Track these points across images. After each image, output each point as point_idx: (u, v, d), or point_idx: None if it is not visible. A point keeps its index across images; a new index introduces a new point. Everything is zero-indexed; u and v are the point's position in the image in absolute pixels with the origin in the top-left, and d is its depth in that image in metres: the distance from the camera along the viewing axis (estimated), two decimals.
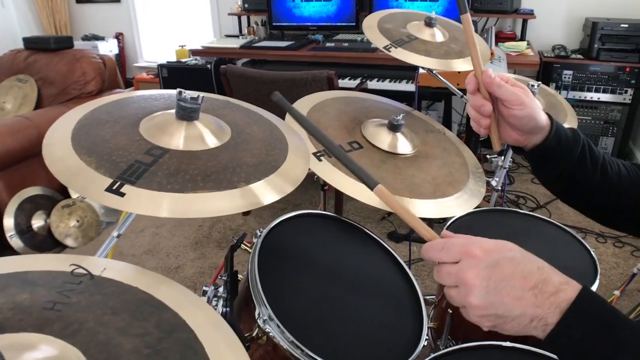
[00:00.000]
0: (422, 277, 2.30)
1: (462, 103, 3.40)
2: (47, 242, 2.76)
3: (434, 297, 1.75)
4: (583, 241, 1.33)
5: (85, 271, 0.59)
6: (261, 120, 0.96)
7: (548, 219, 1.43)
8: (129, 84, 4.85)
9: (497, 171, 1.61)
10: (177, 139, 0.78)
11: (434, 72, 1.50)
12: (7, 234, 2.52)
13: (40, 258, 0.66)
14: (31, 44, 3.30)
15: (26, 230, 2.68)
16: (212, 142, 0.81)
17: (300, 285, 0.89)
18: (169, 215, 0.66)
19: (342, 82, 2.92)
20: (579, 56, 3.16)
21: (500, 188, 1.59)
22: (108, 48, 4.94)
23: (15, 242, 2.63)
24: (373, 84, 2.92)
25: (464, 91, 1.73)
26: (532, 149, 0.78)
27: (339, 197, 2.55)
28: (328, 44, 3.30)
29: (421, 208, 1.05)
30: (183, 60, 3.91)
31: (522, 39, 3.34)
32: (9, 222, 2.58)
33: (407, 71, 2.88)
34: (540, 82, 1.44)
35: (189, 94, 0.79)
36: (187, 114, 0.79)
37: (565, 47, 3.23)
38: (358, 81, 2.94)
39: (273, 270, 0.89)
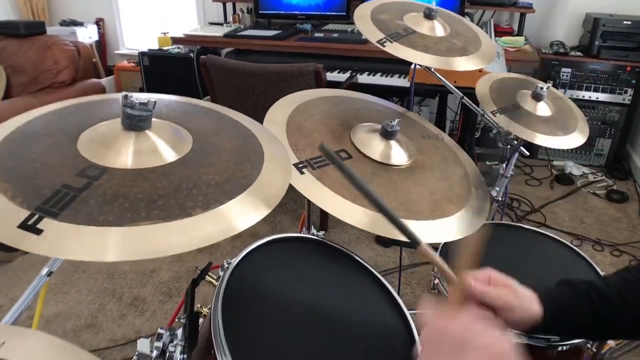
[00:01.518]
0: (411, 285, 2.17)
1: (456, 100, 3.26)
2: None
3: None
4: (593, 263, 1.21)
5: None
6: (233, 126, 0.81)
7: (553, 236, 1.31)
8: (109, 71, 4.64)
9: (498, 180, 1.47)
10: (124, 154, 0.63)
11: (432, 69, 1.35)
12: None
13: None
14: (0, 28, 3.09)
15: None
16: (168, 156, 0.66)
17: (274, 331, 0.74)
18: (100, 259, 0.51)
19: (330, 75, 2.76)
20: (579, 53, 3.03)
21: (500, 199, 1.46)
22: (87, 34, 4.71)
23: None
24: (363, 78, 2.77)
25: (462, 90, 1.59)
26: (537, 329, 0.70)
27: None
28: (317, 35, 3.13)
29: (417, 231, 0.91)
30: (165, 48, 3.73)
31: (520, 34, 3.20)
32: None
33: (400, 65, 2.72)
34: (550, 85, 1.30)
35: (137, 98, 0.63)
36: (134, 123, 0.64)
37: (564, 44, 3.10)
38: (348, 74, 2.78)
39: (242, 312, 0.74)
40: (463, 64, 1.19)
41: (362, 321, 0.86)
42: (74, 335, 1.97)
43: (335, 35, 3.09)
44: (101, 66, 4.48)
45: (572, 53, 3.04)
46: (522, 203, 2.84)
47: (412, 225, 0.92)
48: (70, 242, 0.51)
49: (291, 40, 3.07)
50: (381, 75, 2.77)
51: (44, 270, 0.64)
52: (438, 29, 1.26)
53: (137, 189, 0.58)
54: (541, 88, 1.28)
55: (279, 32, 3.19)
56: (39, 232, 0.51)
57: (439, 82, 1.56)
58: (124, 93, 0.62)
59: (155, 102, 0.63)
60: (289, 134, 1.01)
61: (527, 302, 0.68)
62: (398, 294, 0.96)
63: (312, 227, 1.55)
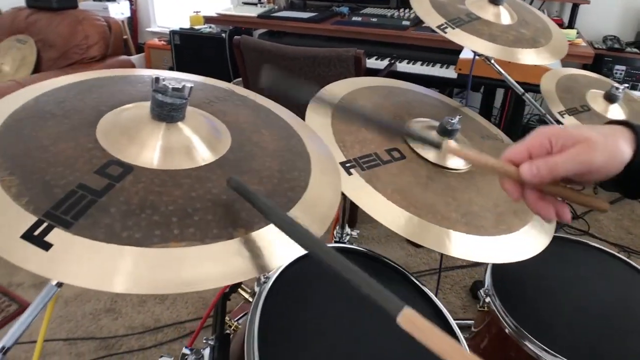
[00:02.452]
0: (444, 290, 2.05)
1: (500, 94, 3.08)
2: None
3: (467, 321, 1.51)
4: None
5: None
6: (275, 122, 0.70)
7: (617, 255, 1.17)
8: (140, 49, 4.58)
9: None
10: (150, 150, 0.53)
11: (492, 61, 1.21)
12: None
13: None
14: (33, 1, 3.03)
15: None
16: (202, 155, 0.55)
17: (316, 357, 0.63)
18: (123, 290, 0.41)
19: (368, 62, 2.62)
20: (635, 50, 2.82)
21: None
22: (119, 10, 4.63)
23: None
24: (403, 66, 2.63)
25: (523, 86, 1.45)
26: (616, 179, 0.51)
27: None
28: (354, 18, 2.99)
29: (483, 250, 0.79)
30: (197, 27, 3.63)
31: (570, 26, 3.00)
32: None
33: (443, 54, 2.58)
34: (626, 86, 1.15)
35: (170, 81, 0.53)
36: (165, 112, 0.53)
37: (619, 39, 2.89)
38: (386, 62, 2.64)
39: (280, 336, 0.63)
40: (532, 57, 1.05)
41: (411, 346, 0.76)
42: (92, 319, 1.92)
43: (374, 20, 2.94)
44: (132, 43, 4.42)
45: (628, 49, 2.83)
46: None
47: (475, 242, 0.80)
48: (83, 263, 0.41)
49: (327, 23, 2.94)
50: (422, 64, 2.62)
51: (55, 280, 0.54)
52: (504, 16, 1.12)
53: (168, 198, 0.47)
54: (616, 89, 1.13)
55: (314, 14, 3.06)
56: (47, 246, 0.41)
57: (486, 74, 1.42)
58: (155, 75, 0.52)
59: (191, 87, 0.53)
60: (334, 128, 0.90)
61: (611, 147, 0.48)
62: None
63: (347, 226, 1.45)
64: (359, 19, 2.98)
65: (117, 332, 1.86)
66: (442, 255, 1.85)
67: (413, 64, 2.63)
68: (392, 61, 2.65)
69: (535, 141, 0.50)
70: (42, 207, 0.44)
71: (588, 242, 1.21)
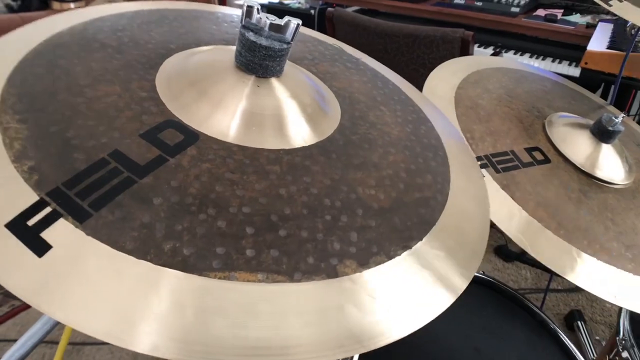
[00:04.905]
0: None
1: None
2: None
3: None
4: None
5: None
6: (397, 98, 0.50)
7: None
8: None
9: None
10: (228, 113, 0.35)
11: None
12: None
13: None
14: None
15: None
16: (300, 132, 0.37)
17: None
18: (148, 350, 0.23)
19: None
20: None
21: None
22: None
23: None
24: (509, 57, 2.34)
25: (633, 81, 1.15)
26: None
27: None
28: (457, 1, 2.72)
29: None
30: (286, 2, 3.50)
31: None
32: None
33: (557, 47, 2.27)
34: None
35: (267, 17, 0.35)
36: (257, 60, 0.35)
37: None
38: (490, 50, 2.37)
39: None
40: None
41: None
42: None
43: (479, 3, 2.66)
44: None
45: None
46: None
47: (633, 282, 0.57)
48: (90, 290, 0.24)
49: (427, 4, 2.69)
50: (530, 57, 2.32)
51: (42, 310, 0.39)
52: None
53: (244, 193, 0.29)
54: None
55: None
56: (42, 249, 0.25)
57: (608, 69, 1.15)
58: (247, 3, 0.34)
59: (298, 25, 0.34)
60: (459, 113, 0.70)
61: None
62: None
63: None
64: (462, 1, 2.71)
65: None
66: (551, 276, 1.58)
67: (521, 55, 2.33)
68: (497, 50, 2.37)
69: None
70: (50, 179, 0.28)
71: None
